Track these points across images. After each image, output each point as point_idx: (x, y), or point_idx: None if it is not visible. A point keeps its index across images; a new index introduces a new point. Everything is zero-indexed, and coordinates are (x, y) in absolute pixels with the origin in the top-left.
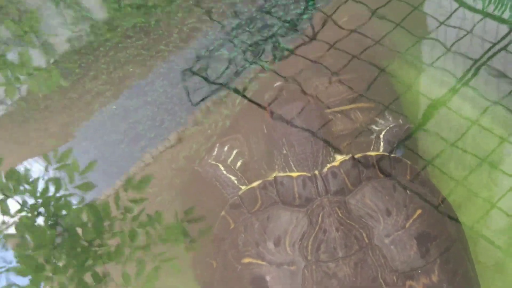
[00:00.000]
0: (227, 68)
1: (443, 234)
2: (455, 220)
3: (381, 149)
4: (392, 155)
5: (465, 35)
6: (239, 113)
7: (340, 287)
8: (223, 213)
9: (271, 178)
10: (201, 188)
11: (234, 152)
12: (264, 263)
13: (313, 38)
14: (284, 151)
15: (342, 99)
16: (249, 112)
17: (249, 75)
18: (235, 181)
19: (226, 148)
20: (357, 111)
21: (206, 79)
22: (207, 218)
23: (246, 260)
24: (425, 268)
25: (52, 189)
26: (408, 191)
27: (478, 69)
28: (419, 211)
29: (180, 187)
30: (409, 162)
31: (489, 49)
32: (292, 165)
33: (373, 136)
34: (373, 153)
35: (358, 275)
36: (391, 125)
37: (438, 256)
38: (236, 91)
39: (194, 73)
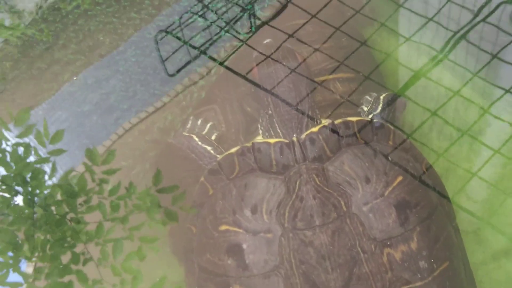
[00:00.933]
0: (198, 33)
1: (424, 201)
2: (434, 189)
3: (379, 109)
4: (374, 120)
5: (445, 4)
6: (215, 84)
7: (317, 255)
8: (202, 179)
9: (249, 144)
10: (175, 160)
11: (208, 125)
12: (240, 230)
13: (286, 3)
14: (270, 111)
15: (321, 69)
16: (225, 82)
17: (224, 44)
18: (212, 151)
19: (199, 121)
20: (336, 82)
21: (184, 41)
22: (182, 190)
23: (223, 228)
24: (404, 236)
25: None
26: (389, 158)
27: (458, 40)
28: (399, 178)
29: (154, 160)
30: (392, 128)
31: (470, 21)
32: (277, 127)
33: (370, 98)
34: (353, 119)
35: (335, 243)
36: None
37: (418, 224)
38: (212, 58)
39: (169, 34)
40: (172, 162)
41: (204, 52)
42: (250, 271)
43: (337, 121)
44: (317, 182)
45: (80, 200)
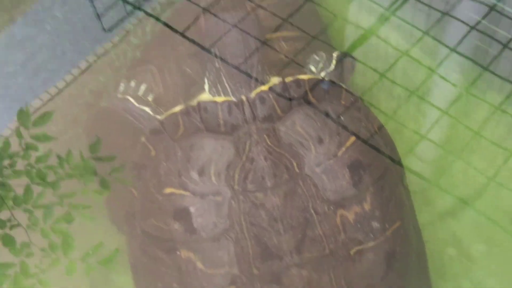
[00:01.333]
0: None
1: (377, 161)
2: (383, 153)
3: (332, 68)
4: (326, 79)
5: None
6: (151, 43)
7: (268, 217)
8: (143, 139)
9: (194, 103)
10: (110, 125)
11: (143, 86)
12: (187, 193)
13: None
14: (217, 64)
15: (264, 27)
16: (161, 41)
17: None
18: (150, 112)
19: (133, 83)
20: (281, 41)
21: None
22: (118, 155)
23: (168, 191)
24: (357, 197)
25: None
26: (341, 118)
27: None
28: (352, 138)
29: (87, 124)
30: (344, 86)
31: None
32: (224, 80)
33: (318, 58)
34: (305, 77)
35: (287, 205)
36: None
37: (371, 184)
38: (149, 14)
39: None
40: (108, 126)
41: (138, 7)
42: (198, 234)
43: (287, 79)
44: (268, 142)
45: (5, 163)
